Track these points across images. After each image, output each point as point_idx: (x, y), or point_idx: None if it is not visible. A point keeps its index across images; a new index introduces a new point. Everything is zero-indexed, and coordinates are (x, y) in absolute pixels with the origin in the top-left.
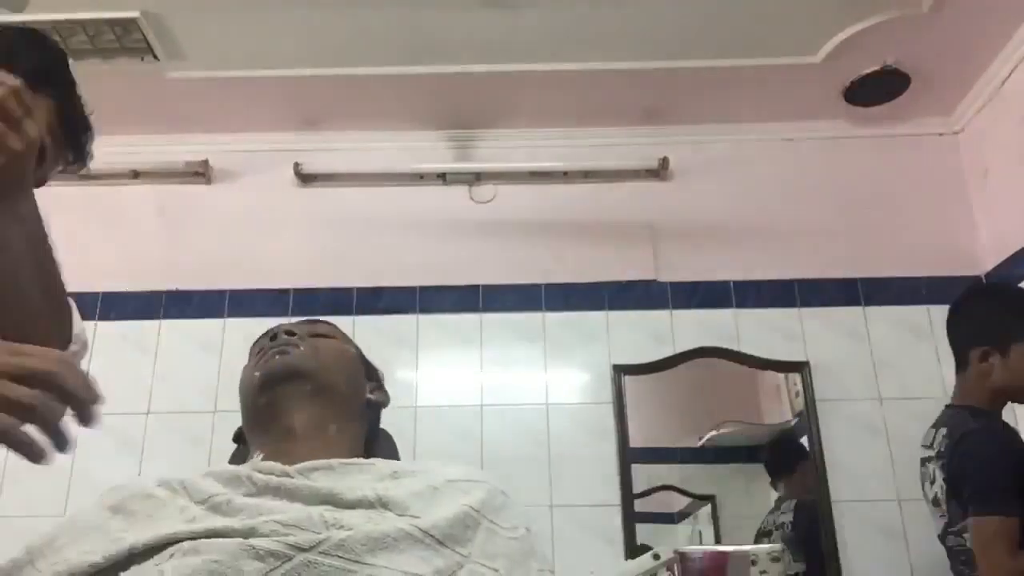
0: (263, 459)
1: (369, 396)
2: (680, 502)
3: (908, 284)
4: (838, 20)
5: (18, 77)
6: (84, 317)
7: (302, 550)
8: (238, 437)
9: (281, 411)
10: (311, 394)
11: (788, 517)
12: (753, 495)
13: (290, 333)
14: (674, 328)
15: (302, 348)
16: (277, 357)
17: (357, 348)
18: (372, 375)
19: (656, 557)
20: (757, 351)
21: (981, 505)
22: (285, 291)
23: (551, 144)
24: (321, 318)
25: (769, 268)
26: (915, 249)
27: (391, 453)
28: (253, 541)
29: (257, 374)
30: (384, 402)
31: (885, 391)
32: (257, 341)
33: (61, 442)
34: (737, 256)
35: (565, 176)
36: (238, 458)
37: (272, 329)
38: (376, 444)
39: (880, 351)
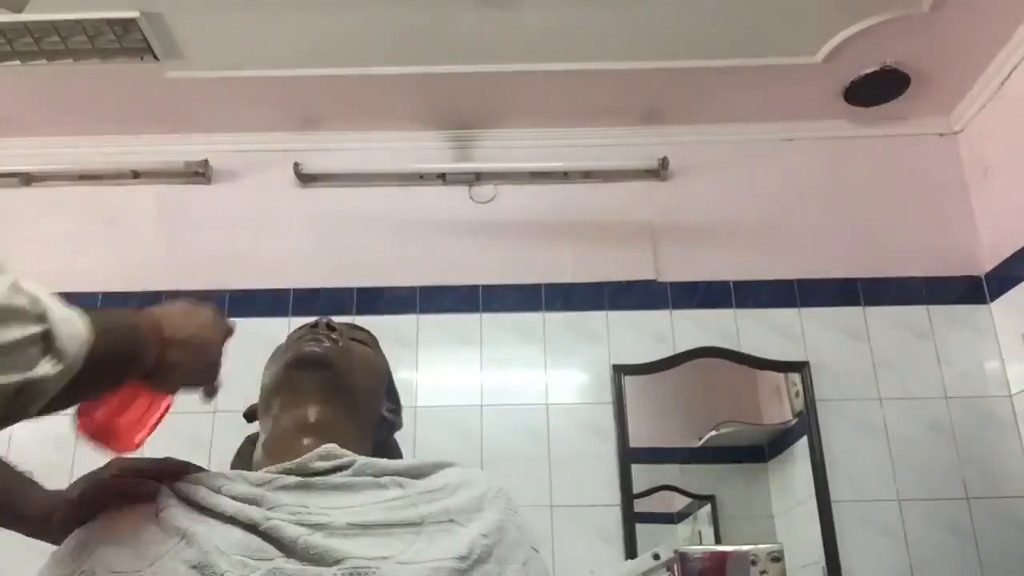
0: (269, 450)
1: (384, 414)
2: (680, 502)
3: (908, 284)
4: (838, 20)
5: None
6: None
7: None
8: (251, 415)
9: (297, 397)
10: (330, 389)
11: None
12: (753, 495)
13: (331, 327)
14: (674, 328)
15: (340, 344)
16: (311, 343)
17: (387, 366)
18: (393, 396)
19: (656, 557)
20: (757, 351)
21: None
22: (285, 291)
23: (551, 144)
24: (363, 327)
25: (769, 268)
26: (915, 249)
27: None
28: None
29: (289, 355)
30: (397, 425)
31: (885, 391)
32: (299, 328)
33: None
34: (737, 256)
35: (565, 176)
36: (244, 453)
37: (316, 319)
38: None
39: (880, 351)
